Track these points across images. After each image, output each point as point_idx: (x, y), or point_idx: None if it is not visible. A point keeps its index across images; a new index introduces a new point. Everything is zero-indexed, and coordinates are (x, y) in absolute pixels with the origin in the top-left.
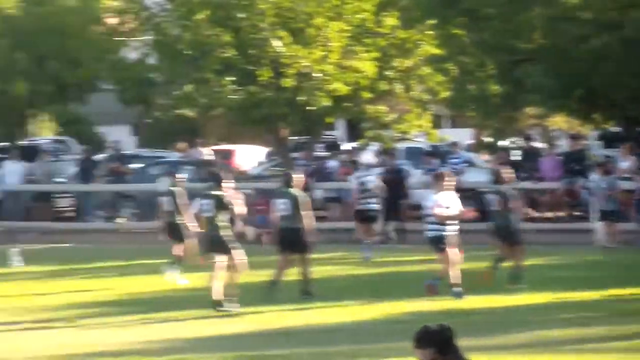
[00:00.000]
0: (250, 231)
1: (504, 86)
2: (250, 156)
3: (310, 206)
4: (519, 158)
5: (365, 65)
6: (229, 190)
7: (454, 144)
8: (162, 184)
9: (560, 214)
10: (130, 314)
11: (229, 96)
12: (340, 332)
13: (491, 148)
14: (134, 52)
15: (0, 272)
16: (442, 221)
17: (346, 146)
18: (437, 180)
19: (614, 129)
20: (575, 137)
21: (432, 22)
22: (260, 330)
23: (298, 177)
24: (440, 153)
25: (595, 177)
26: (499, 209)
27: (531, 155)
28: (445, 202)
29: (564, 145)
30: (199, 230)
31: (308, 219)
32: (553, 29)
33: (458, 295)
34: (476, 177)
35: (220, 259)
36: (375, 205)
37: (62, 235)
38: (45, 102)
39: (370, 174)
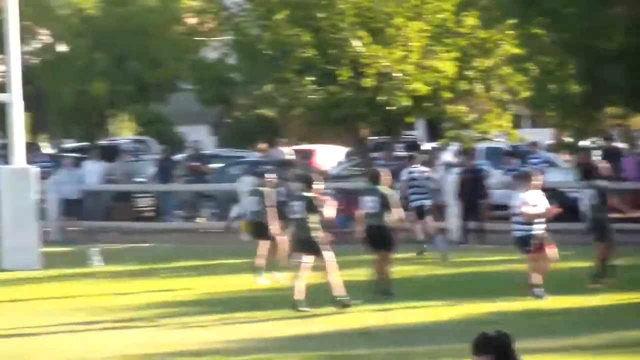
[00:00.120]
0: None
1: (584, 86)
2: (330, 156)
3: (399, 203)
4: (600, 158)
5: (446, 65)
6: (319, 192)
7: (534, 144)
8: (242, 184)
9: None
10: (210, 313)
11: (308, 96)
12: (420, 332)
13: (571, 148)
14: (214, 52)
15: (81, 271)
16: (529, 220)
17: (426, 146)
18: (524, 180)
19: None
20: None
21: (513, 21)
22: (340, 330)
23: (386, 175)
24: (520, 153)
25: None
26: (595, 203)
27: (612, 155)
28: (532, 201)
29: None
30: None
31: (398, 215)
32: (635, 28)
33: (539, 296)
34: (556, 177)
35: (308, 260)
36: (426, 200)
37: (142, 235)
38: (125, 102)
39: (417, 169)
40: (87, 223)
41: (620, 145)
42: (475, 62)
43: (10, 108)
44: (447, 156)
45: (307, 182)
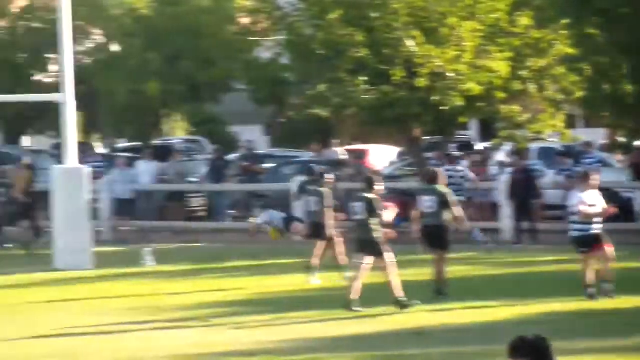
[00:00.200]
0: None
1: (638, 86)
2: (383, 156)
3: (457, 202)
4: None
5: (499, 65)
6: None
7: (588, 144)
8: (295, 184)
9: None
10: (262, 313)
11: (362, 96)
12: (474, 332)
13: (625, 148)
14: (267, 52)
15: (133, 271)
16: (586, 219)
17: (479, 146)
18: (582, 179)
19: None
20: None
21: (566, 21)
22: (393, 330)
23: (443, 174)
24: (573, 153)
25: None
26: None
27: None
28: (590, 201)
29: None
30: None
31: (458, 213)
32: None
33: (592, 297)
34: (610, 177)
35: (368, 261)
36: (461, 197)
37: (194, 234)
38: (177, 102)
39: (453, 168)
40: (140, 223)
41: None
42: (529, 62)
43: (63, 108)
44: (501, 156)
45: (369, 183)
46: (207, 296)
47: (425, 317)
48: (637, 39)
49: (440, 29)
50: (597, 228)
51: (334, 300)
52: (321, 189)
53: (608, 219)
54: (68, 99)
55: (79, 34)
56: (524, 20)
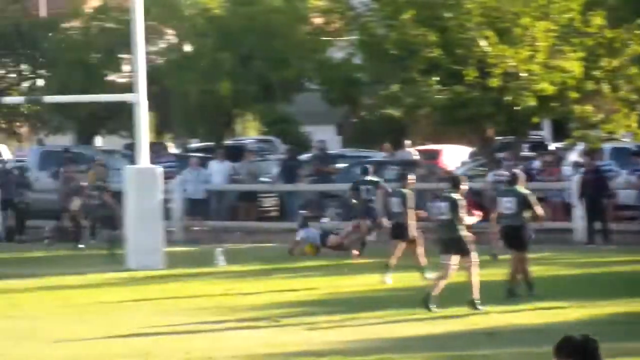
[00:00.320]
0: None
1: None
2: (456, 156)
3: (537, 202)
4: None
5: (572, 64)
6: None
7: None
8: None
9: None
10: (333, 313)
11: (435, 96)
12: (545, 333)
13: None
14: (340, 52)
15: (205, 271)
16: None
17: (551, 147)
18: None
19: None
20: None
21: None
22: (464, 330)
23: (523, 176)
24: None
25: None
26: None
27: None
28: None
29: None
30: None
31: (538, 213)
32: None
33: None
34: None
35: (455, 261)
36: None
37: (266, 235)
38: (250, 102)
39: (505, 174)
40: (212, 223)
41: None
42: (602, 61)
43: (135, 108)
44: (574, 156)
45: (454, 183)
46: (278, 296)
47: (497, 318)
48: None
49: (513, 28)
50: None
51: (406, 301)
52: (403, 190)
53: None
54: (140, 99)
55: (152, 34)
56: (598, 19)
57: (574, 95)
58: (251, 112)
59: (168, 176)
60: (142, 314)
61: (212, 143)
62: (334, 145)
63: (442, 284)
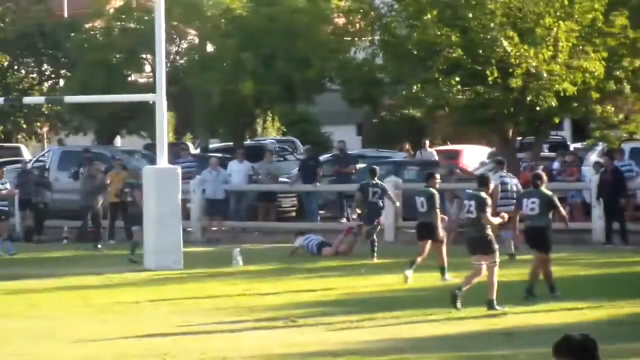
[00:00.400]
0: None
1: None
2: (476, 156)
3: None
4: None
5: (595, 65)
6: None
7: None
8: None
9: None
10: (350, 314)
11: (456, 96)
12: (562, 333)
13: None
14: (362, 52)
15: (223, 271)
16: None
17: (571, 147)
18: None
19: None
20: None
21: None
22: (480, 331)
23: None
24: None
25: None
26: None
27: None
28: None
29: None
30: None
31: (561, 214)
32: None
33: None
34: None
35: (481, 259)
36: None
37: (285, 235)
38: (272, 102)
39: (508, 175)
40: (230, 223)
41: None
42: (624, 61)
43: (155, 108)
44: (594, 157)
45: (482, 182)
46: (295, 296)
47: (514, 318)
48: None
49: (536, 29)
50: None
51: (423, 301)
52: (430, 189)
53: None
54: (161, 99)
55: (174, 34)
56: (621, 19)
57: (595, 95)
58: (273, 112)
59: (187, 176)
60: (160, 314)
61: (231, 143)
62: (355, 145)
63: (472, 281)
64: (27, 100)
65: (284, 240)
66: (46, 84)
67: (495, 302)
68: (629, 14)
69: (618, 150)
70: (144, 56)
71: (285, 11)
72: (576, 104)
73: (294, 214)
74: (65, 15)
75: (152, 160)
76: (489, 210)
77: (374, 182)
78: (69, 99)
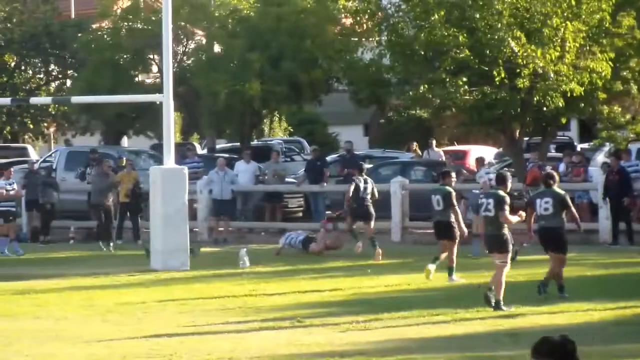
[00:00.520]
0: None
1: None
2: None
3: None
4: None
5: (602, 65)
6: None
7: None
8: (394, 185)
9: None
10: (357, 314)
11: (463, 97)
12: (570, 333)
13: None
14: (369, 53)
15: (230, 272)
16: None
17: (577, 147)
18: None
19: None
20: None
21: None
22: (486, 331)
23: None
24: None
25: None
26: None
27: None
28: None
29: None
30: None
31: (573, 214)
32: None
33: None
34: None
35: (499, 258)
36: None
37: None
38: (279, 102)
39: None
40: (237, 223)
41: None
42: (631, 62)
43: (162, 108)
44: (602, 157)
45: (501, 180)
46: (302, 297)
47: (520, 319)
48: None
49: (543, 29)
50: None
51: (430, 301)
52: (447, 187)
53: None
54: (168, 100)
55: (182, 35)
56: (628, 20)
57: (602, 95)
58: (280, 113)
59: (193, 177)
60: (166, 314)
61: (238, 144)
62: (362, 146)
63: (498, 281)
64: (34, 100)
65: None
66: (53, 85)
67: (502, 302)
68: (636, 15)
69: (625, 151)
70: (151, 56)
71: (292, 12)
72: (583, 105)
73: (300, 214)
74: (73, 15)
75: (159, 161)
76: (507, 209)
77: (364, 178)
78: (75, 99)
